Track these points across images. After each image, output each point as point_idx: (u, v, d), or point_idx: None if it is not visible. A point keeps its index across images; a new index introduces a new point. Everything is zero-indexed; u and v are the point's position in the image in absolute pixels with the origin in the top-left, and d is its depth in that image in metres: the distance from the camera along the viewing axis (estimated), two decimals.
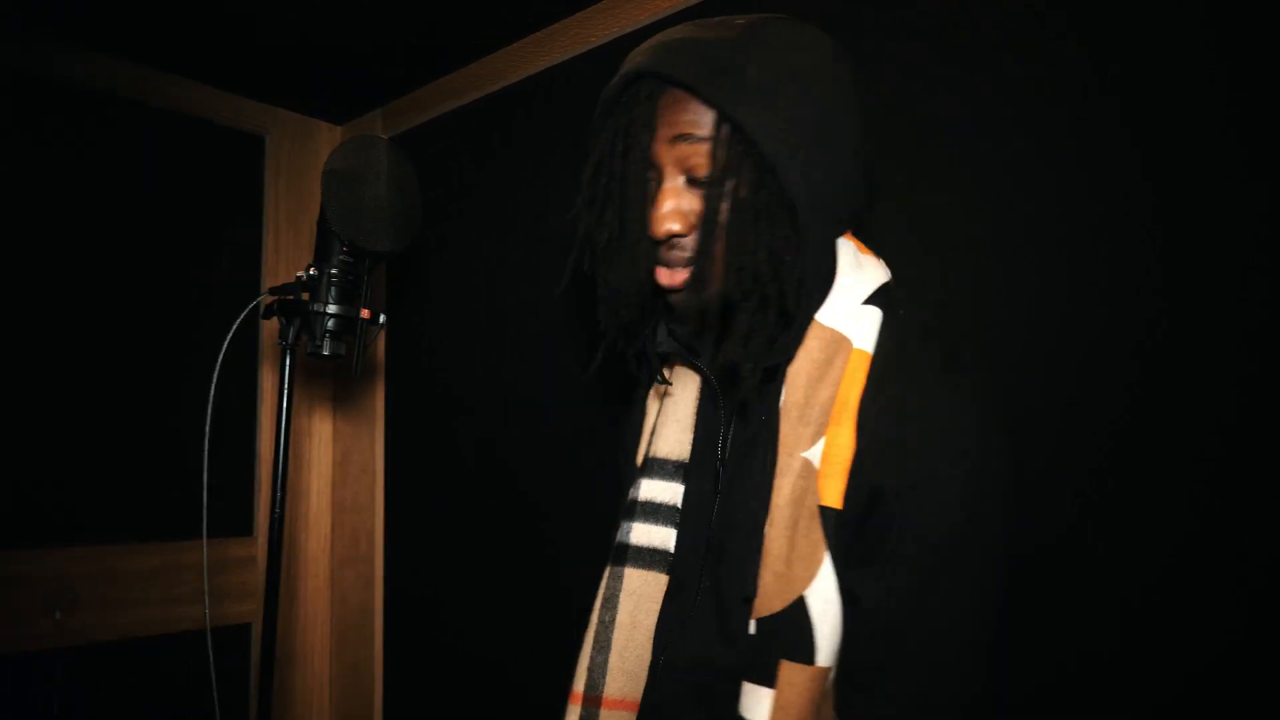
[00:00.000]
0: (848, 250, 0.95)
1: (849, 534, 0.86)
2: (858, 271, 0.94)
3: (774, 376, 0.93)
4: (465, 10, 1.92)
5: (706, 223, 0.89)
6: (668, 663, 0.98)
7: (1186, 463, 1.10)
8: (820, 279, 0.92)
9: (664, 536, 1.02)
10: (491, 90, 2.14)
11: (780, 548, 0.87)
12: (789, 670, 0.85)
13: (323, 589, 2.40)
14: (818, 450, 0.88)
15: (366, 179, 1.49)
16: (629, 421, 1.19)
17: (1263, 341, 1.06)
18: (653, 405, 1.12)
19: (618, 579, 1.03)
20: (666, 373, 1.09)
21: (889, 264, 1.01)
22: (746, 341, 0.89)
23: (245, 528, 2.23)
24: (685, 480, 1.03)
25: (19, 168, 1.94)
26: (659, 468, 1.04)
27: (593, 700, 0.99)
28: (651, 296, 0.97)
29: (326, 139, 2.47)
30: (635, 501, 1.05)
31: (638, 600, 1.01)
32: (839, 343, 0.90)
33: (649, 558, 1.02)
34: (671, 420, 1.06)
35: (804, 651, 0.85)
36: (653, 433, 1.07)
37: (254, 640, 2.20)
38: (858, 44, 1.31)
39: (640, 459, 1.09)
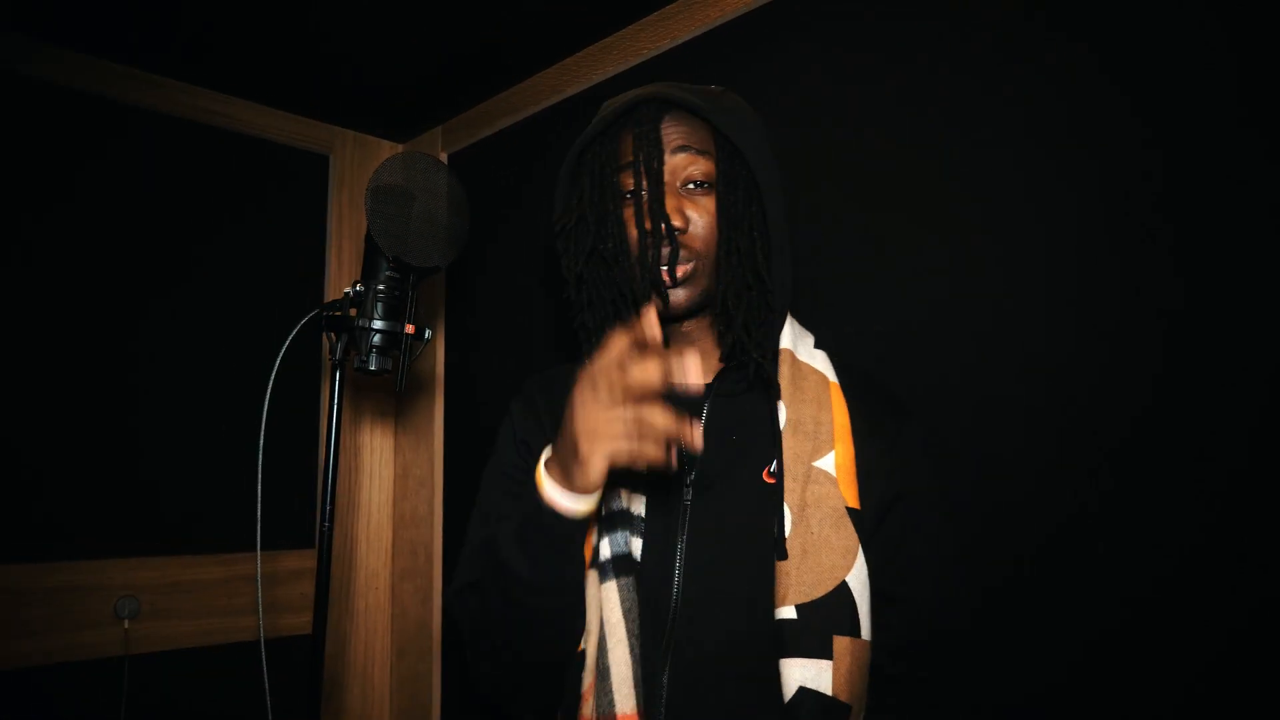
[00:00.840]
0: None
1: (868, 530, 1.04)
2: (798, 325, 1.17)
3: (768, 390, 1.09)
4: (520, 27, 1.93)
5: (724, 218, 1.05)
6: (688, 664, 1.00)
7: (1188, 463, 1.12)
8: (783, 294, 1.09)
9: (637, 545, 1.05)
10: (548, 105, 2.14)
11: (810, 542, 1.00)
12: (843, 643, 0.98)
13: (383, 603, 2.43)
14: (829, 461, 1.04)
15: (410, 194, 1.50)
16: (542, 442, 1.20)
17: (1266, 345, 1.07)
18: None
19: (631, 589, 1.02)
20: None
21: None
22: (748, 329, 1.06)
23: (307, 540, 2.27)
24: (646, 491, 1.07)
25: (98, 189, 2.02)
26: (623, 478, 1.07)
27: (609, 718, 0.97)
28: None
29: (388, 156, 2.52)
30: (625, 512, 1.06)
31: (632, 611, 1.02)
32: (819, 376, 1.11)
33: (628, 565, 1.04)
34: None
35: (853, 626, 0.99)
36: None
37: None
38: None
39: None
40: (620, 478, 1.06)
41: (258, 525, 1.62)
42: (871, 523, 1.04)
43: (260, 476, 1.62)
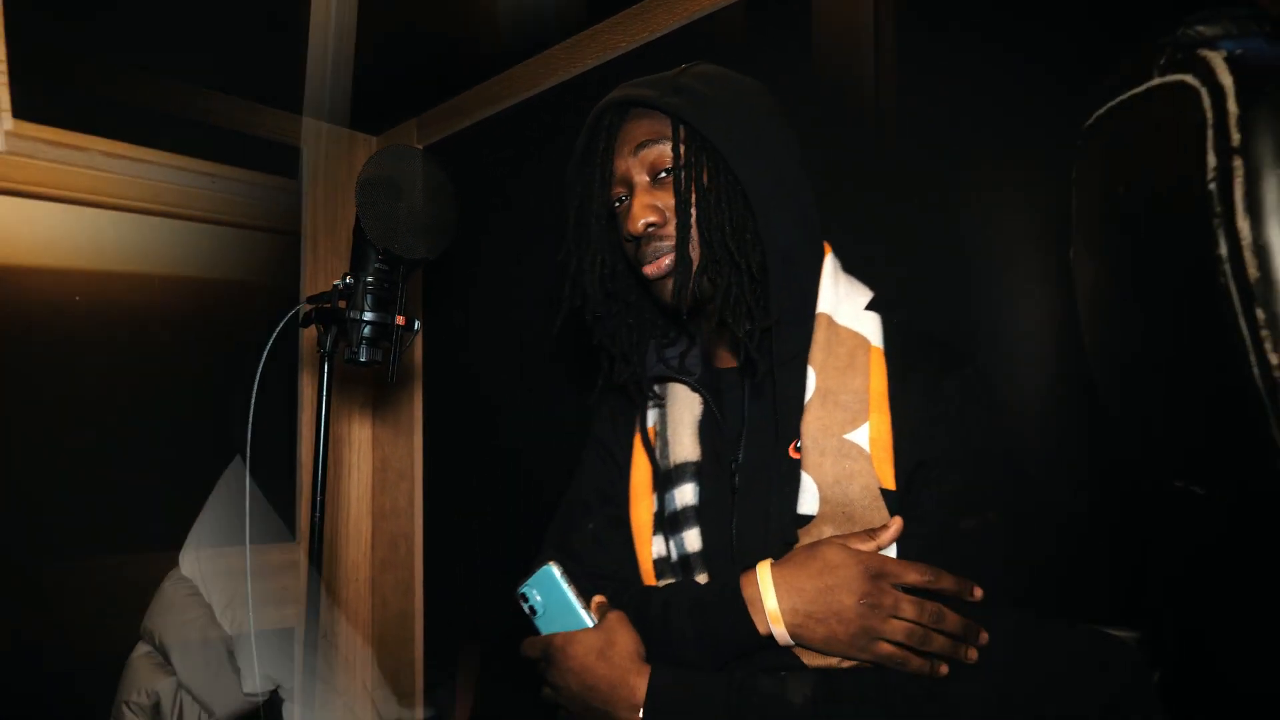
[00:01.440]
0: (830, 263, 1.11)
1: (899, 505, 0.97)
2: (849, 284, 1.11)
3: (799, 369, 1.04)
4: (497, 19, 1.93)
5: (681, 203, 1.04)
6: None
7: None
8: (781, 256, 1.04)
9: (698, 537, 1.07)
10: (525, 97, 2.15)
11: (842, 526, 0.97)
12: None
13: (363, 594, 2.43)
14: (863, 433, 0.98)
15: (401, 187, 1.50)
16: (615, 443, 1.24)
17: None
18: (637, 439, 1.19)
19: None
20: (657, 389, 1.19)
21: (881, 273, 1.15)
22: (730, 303, 1.04)
23: (288, 534, 2.26)
24: (698, 480, 1.09)
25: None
26: (681, 472, 1.10)
27: None
28: (639, 312, 1.18)
29: (363, 149, 2.51)
30: (689, 507, 1.09)
31: None
32: (859, 340, 1.04)
33: (697, 561, 1.07)
34: (682, 427, 1.13)
35: None
36: (664, 444, 1.14)
37: (297, 645, 2.22)
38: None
39: (650, 475, 1.15)
40: (679, 475, 1.10)
41: (247, 522, 1.62)
42: (902, 493, 0.97)
43: (248, 472, 1.62)
